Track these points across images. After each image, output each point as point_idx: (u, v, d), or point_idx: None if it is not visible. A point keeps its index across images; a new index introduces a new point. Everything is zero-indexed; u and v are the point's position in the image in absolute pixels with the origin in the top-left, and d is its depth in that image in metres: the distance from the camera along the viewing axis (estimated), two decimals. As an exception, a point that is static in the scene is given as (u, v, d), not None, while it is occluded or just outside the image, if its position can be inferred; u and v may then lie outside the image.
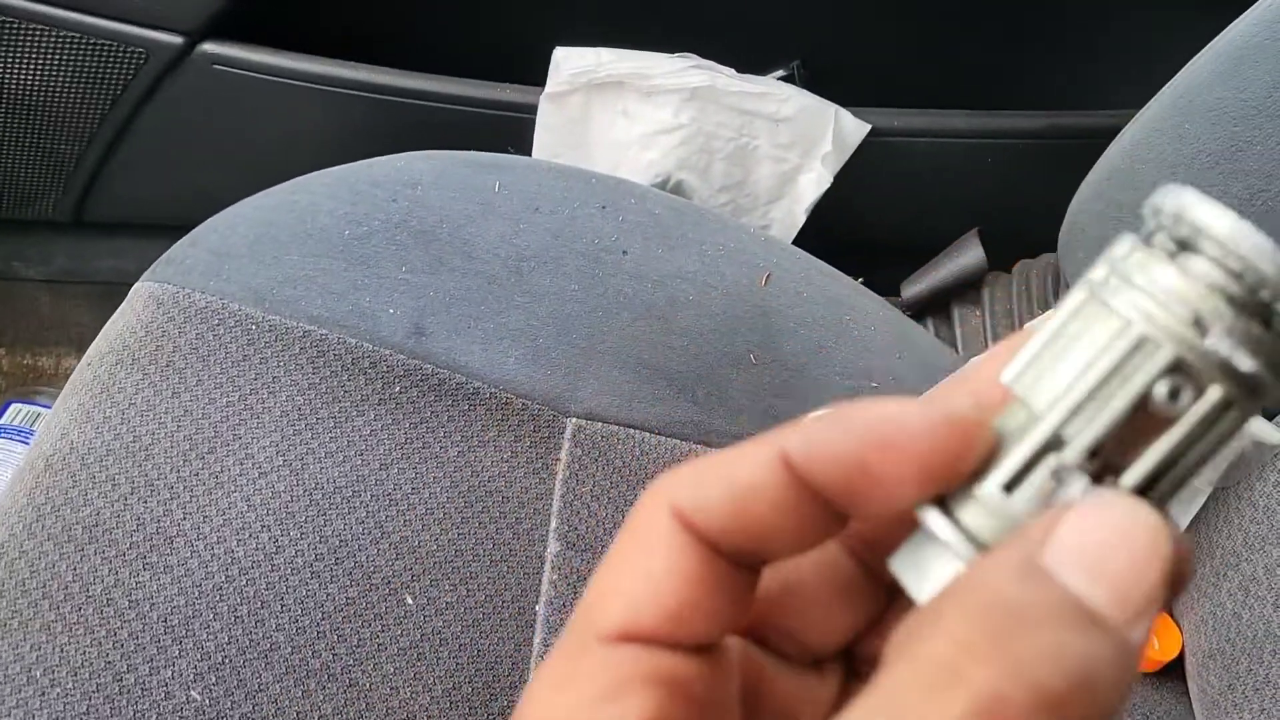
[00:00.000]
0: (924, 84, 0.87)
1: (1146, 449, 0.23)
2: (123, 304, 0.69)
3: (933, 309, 0.87)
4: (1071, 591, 0.21)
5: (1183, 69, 0.68)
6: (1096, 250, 0.79)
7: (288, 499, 0.59)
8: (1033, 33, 0.89)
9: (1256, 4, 0.65)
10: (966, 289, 0.86)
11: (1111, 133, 0.72)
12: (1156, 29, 0.92)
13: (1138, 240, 0.23)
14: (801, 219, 0.85)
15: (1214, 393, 0.22)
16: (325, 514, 0.59)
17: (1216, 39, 0.67)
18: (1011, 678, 0.19)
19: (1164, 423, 0.23)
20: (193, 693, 0.52)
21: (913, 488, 0.23)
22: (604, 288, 0.70)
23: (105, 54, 0.80)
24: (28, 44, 0.80)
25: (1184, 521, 0.68)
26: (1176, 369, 0.22)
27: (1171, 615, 0.68)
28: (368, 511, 0.60)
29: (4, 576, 0.55)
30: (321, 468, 0.61)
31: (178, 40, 0.80)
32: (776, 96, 0.80)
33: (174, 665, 0.52)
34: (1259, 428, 0.70)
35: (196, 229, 0.71)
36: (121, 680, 0.51)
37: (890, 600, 0.28)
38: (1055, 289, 0.80)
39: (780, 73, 0.83)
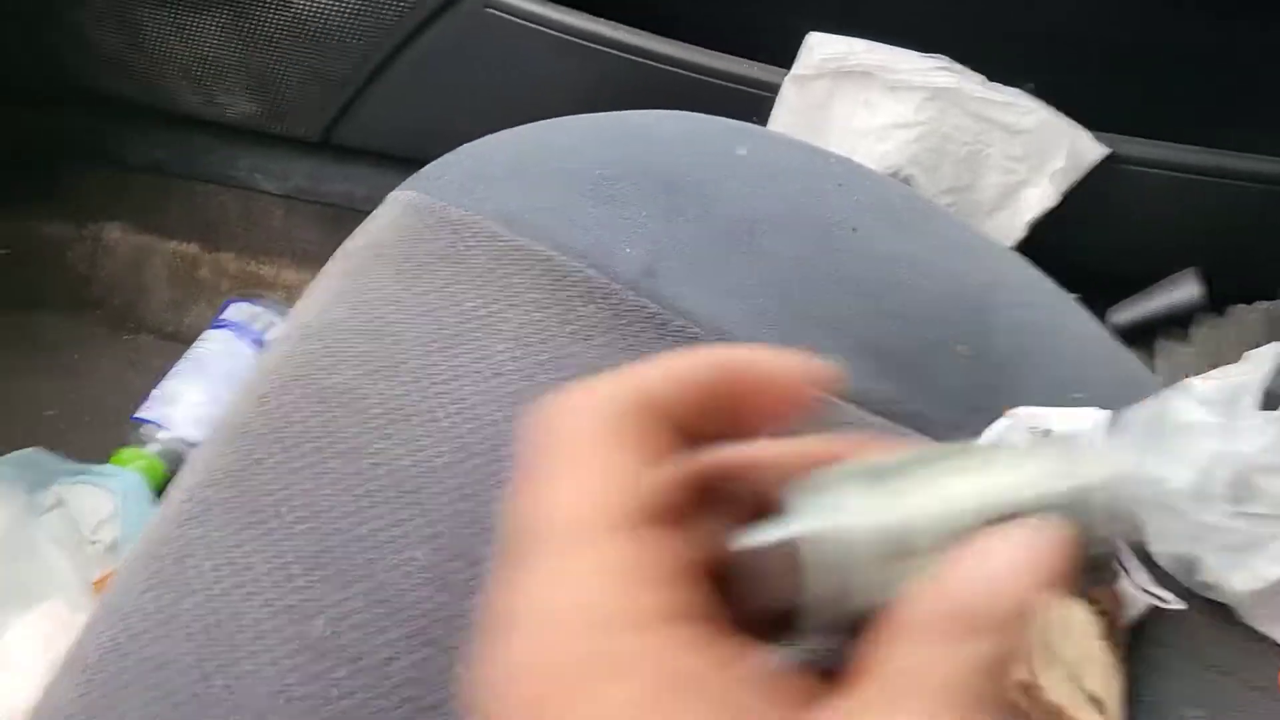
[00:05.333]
0: (1164, 116, 0.87)
1: None
2: (380, 207, 0.75)
3: (1137, 341, 0.87)
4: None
5: None
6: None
7: (517, 400, 0.63)
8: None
9: None
10: (1174, 325, 0.85)
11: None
12: None
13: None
14: (1021, 232, 0.86)
15: None
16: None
17: None
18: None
19: None
20: (418, 553, 0.56)
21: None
22: (830, 260, 0.72)
23: (389, -17, 0.86)
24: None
25: None
26: None
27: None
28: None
29: (263, 422, 0.60)
30: (549, 378, 0.65)
31: (458, -21, 0.86)
32: (1019, 108, 0.82)
33: (403, 525, 0.57)
34: None
35: (455, 151, 0.76)
36: (357, 529, 0.56)
37: None
38: (1271, 337, 0.79)
39: (1031, 86, 0.84)
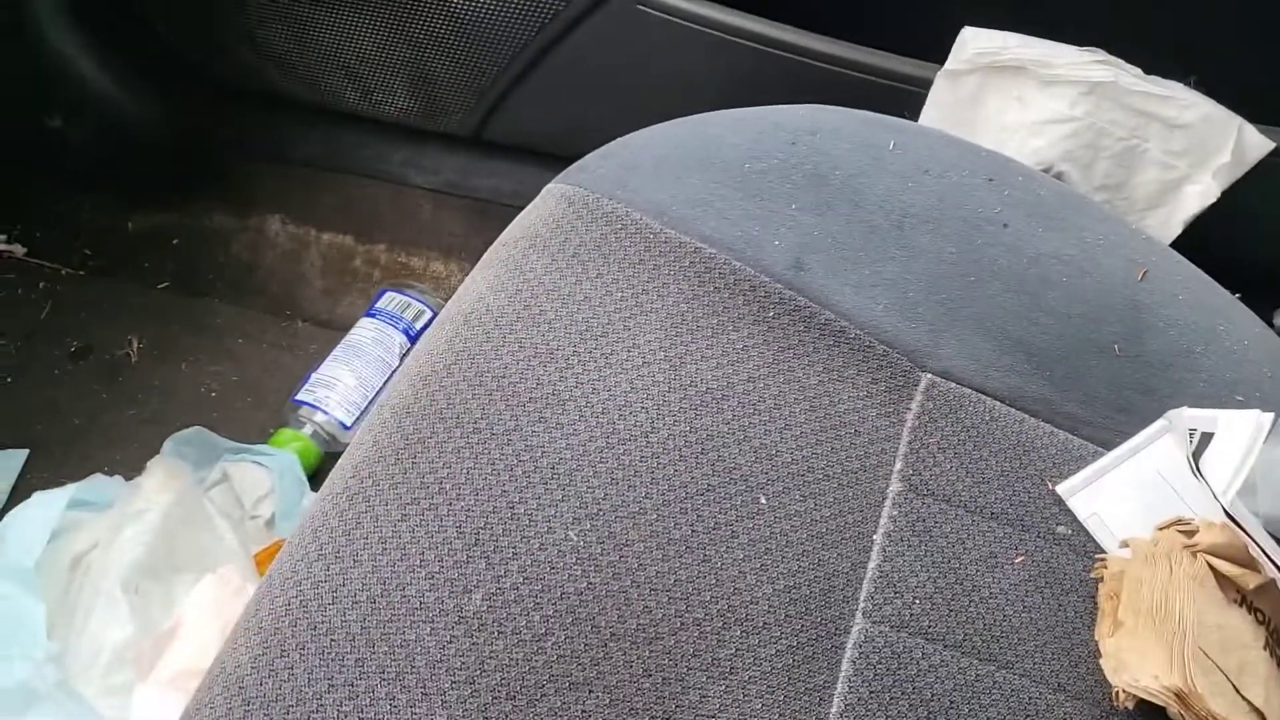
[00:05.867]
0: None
1: None
2: (536, 199, 0.77)
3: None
4: None
5: None
6: None
7: (665, 389, 0.65)
8: None
9: None
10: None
11: None
12: None
13: None
14: (1176, 230, 0.83)
15: None
16: (696, 408, 0.64)
17: None
18: None
19: None
20: (570, 533, 0.58)
21: None
22: (980, 255, 0.72)
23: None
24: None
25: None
26: None
27: None
28: (733, 414, 0.65)
29: (426, 403, 0.62)
30: (697, 368, 0.66)
31: (610, -24, 0.87)
32: (1179, 101, 0.79)
33: (556, 506, 0.58)
34: None
35: (608, 145, 0.78)
36: (514, 508, 0.58)
37: None
38: None
39: (1194, 79, 0.82)
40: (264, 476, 1.08)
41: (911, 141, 0.75)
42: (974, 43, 0.81)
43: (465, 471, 0.59)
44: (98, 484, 1.02)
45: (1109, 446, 0.69)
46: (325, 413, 1.15)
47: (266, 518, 1.07)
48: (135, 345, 1.26)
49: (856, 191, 0.73)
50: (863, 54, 0.87)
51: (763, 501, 0.62)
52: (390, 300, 1.20)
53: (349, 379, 1.15)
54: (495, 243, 0.75)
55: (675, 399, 0.64)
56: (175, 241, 1.34)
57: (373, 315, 1.20)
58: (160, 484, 0.99)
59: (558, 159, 0.78)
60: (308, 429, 1.14)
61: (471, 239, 1.24)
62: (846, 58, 0.87)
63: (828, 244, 0.72)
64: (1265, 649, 0.59)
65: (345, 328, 1.22)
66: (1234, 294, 0.76)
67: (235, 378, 1.24)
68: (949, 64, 0.83)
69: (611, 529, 0.58)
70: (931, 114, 0.84)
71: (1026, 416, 0.69)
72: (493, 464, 0.59)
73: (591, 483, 0.60)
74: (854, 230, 0.72)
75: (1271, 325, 0.86)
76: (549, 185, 0.77)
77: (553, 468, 0.60)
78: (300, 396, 1.17)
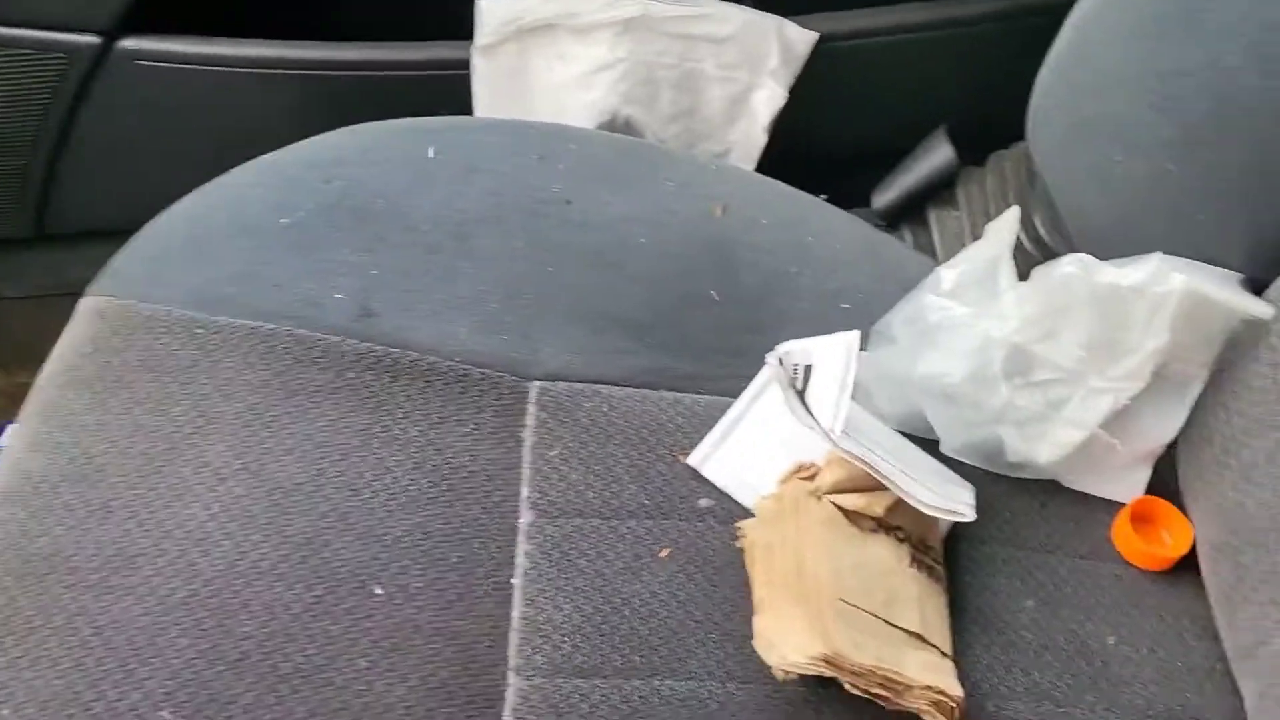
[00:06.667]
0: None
1: None
2: (69, 324, 0.68)
3: (908, 216, 0.84)
4: None
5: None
6: (1065, 134, 0.75)
7: (248, 503, 0.58)
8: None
9: None
10: (941, 190, 0.82)
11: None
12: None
13: None
14: (762, 138, 0.82)
15: None
16: (287, 513, 0.58)
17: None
18: None
19: None
20: (163, 712, 0.51)
21: None
22: (550, 241, 0.68)
23: (25, 64, 0.78)
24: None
25: (1184, 410, 0.65)
26: None
27: (1183, 508, 0.66)
28: (330, 505, 0.59)
29: (-33, 617, 0.54)
30: (281, 466, 0.60)
31: (95, 40, 0.78)
32: (714, 16, 0.77)
33: (143, 687, 0.52)
34: (1253, 304, 0.66)
35: (133, 237, 0.70)
36: (90, 710, 0.51)
37: None
38: (1030, 178, 0.76)
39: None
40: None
41: (451, 141, 0.70)
42: (493, 13, 0.76)
43: (25, 686, 0.51)
44: None
45: (737, 394, 0.67)
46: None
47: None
48: None
49: (405, 214, 0.67)
50: (394, 50, 0.80)
51: (379, 593, 0.57)
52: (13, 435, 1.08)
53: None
54: (34, 384, 0.66)
55: (261, 510, 0.58)
56: None
57: None
58: None
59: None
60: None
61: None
62: (380, 59, 0.80)
63: (391, 280, 0.66)
64: (912, 565, 0.59)
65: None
66: (820, 195, 0.74)
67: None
68: (478, 39, 0.78)
69: (212, 690, 0.52)
70: (483, 94, 0.79)
71: (648, 392, 0.66)
72: (56, 665, 0.52)
73: (179, 644, 0.53)
74: (414, 256, 0.67)
75: (871, 208, 0.86)
76: (81, 301, 0.68)
77: (130, 642, 0.53)
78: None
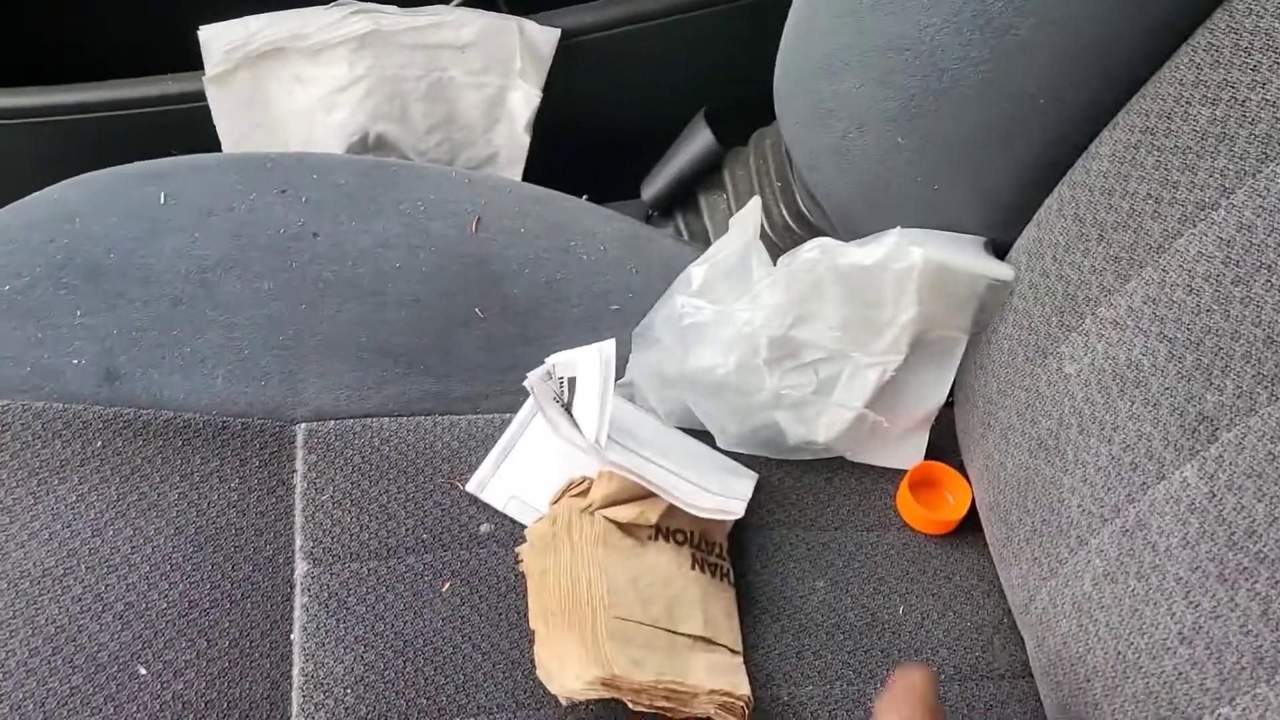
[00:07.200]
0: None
1: None
2: None
3: (679, 203, 0.84)
4: None
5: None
6: (805, 115, 0.75)
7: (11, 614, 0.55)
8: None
9: None
10: (708, 174, 0.82)
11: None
12: None
13: None
14: (526, 139, 0.80)
15: None
16: (36, 602, 0.55)
17: None
18: None
19: None
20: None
21: None
22: (301, 278, 0.65)
23: None
24: None
25: (950, 374, 0.66)
26: None
27: (964, 472, 0.67)
28: (84, 587, 0.56)
29: None
30: (25, 553, 0.56)
31: None
32: (451, 24, 0.75)
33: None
34: (994, 268, 0.67)
35: None
36: None
37: None
38: (789, 156, 0.77)
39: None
40: None
41: (185, 184, 0.67)
42: (216, 41, 0.73)
43: None
44: None
45: (517, 409, 0.65)
46: None
47: None
48: None
49: (141, 267, 0.64)
50: (124, 88, 0.76)
51: (143, 673, 0.54)
52: None
53: None
54: None
55: (6, 603, 0.55)
56: None
57: None
58: None
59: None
60: None
61: None
62: (110, 98, 0.76)
63: (134, 338, 0.63)
64: (695, 568, 0.59)
65: None
66: (580, 196, 0.73)
67: None
68: (208, 70, 0.74)
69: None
70: (225, 126, 0.76)
71: (422, 419, 0.64)
72: None
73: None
74: (156, 311, 0.63)
75: (642, 203, 0.85)
76: None
77: None
78: None
